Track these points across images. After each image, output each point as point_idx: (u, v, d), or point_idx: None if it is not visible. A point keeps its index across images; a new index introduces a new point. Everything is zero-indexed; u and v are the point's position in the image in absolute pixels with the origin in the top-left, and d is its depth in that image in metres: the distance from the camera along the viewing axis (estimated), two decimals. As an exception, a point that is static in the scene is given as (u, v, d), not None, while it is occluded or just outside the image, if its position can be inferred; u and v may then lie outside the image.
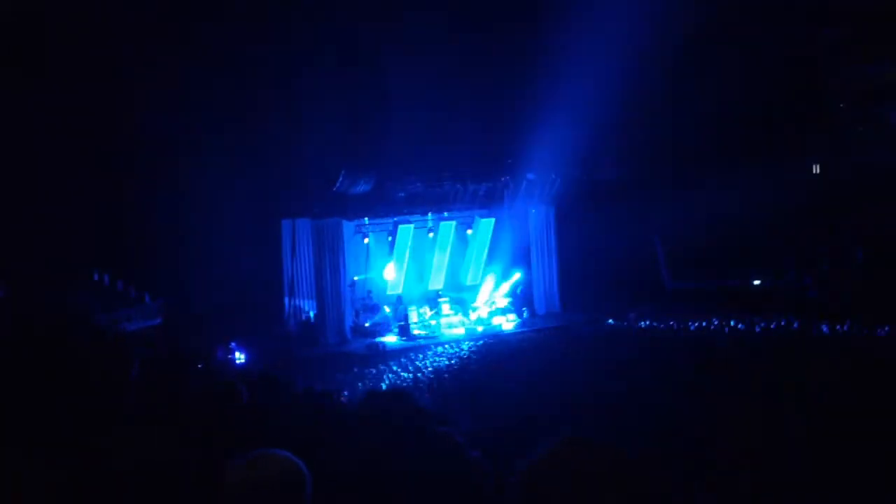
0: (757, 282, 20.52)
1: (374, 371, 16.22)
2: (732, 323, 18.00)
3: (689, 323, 18.44)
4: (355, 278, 20.41)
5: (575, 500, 1.57)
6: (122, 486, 2.13)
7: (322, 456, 2.44)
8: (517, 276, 21.73)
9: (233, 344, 16.66)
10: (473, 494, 2.32)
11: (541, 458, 1.65)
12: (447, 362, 16.93)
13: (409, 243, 20.85)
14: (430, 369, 16.22)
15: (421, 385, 14.90)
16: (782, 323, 17.40)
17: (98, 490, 2.05)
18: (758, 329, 17.49)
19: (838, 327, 16.51)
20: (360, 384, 14.93)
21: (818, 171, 20.78)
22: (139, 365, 3.29)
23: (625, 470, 1.63)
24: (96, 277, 16.69)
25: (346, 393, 12.88)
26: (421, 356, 17.58)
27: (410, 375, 15.66)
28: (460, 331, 19.99)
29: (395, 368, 16.40)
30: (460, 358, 17.23)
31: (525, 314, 21.04)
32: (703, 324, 18.30)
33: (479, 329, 20.16)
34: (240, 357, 16.58)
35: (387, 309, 20.38)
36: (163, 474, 2.40)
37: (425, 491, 2.24)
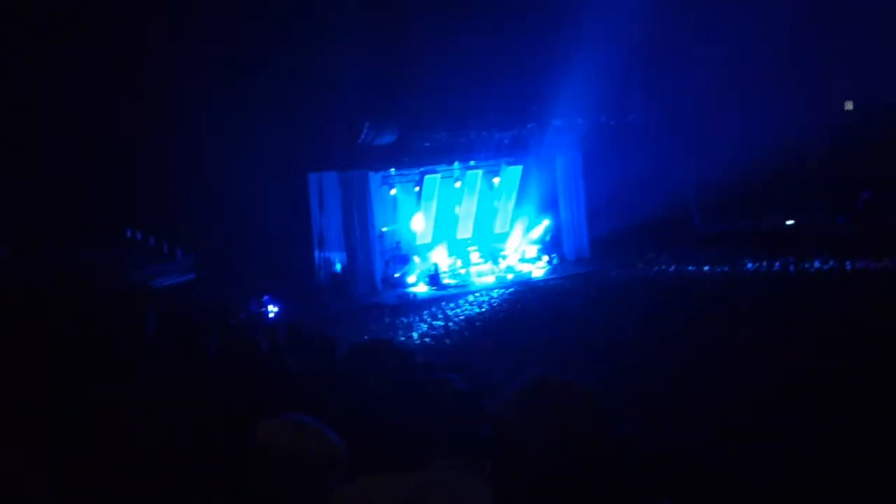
0: (790, 222, 20.27)
1: (405, 321, 16.36)
2: (765, 265, 17.84)
3: (721, 267, 18.30)
4: (384, 229, 20.47)
5: (542, 436, 1.60)
6: (133, 444, 2.15)
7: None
8: (546, 222, 21.67)
9: (265, 297, 16.84)
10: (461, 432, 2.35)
11: (510, 396, 1.68)
12: (478, 311, 17.04)
13: (436, 193, 20.82)
14: (460, 318, 16.34)
15: (452, 331, 15.05)
16: (816, 263, 17.22)
17: (109, 449, 2.09)
18: (791, 269, 17.35)
19: (873, 265, 16.32)
20: (393, 334, 15.09)
21: (851, 108, 20.31)
22: (156, 321, 3.34)
23: (592, 409, 1.65)
24: (129, 234, 16.91)
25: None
26: (452, 305, 17.70)
27: (441, 324, 15.78)
28: (490, 279, 20.06)
29: (426, 318, 16.52)
30: (491, 306, 17.32)
31: (554, 261, 21.03)
32: (736, 267, 18.13)
33: (509, 277, 20.20)
34: (273, 310, 16.78)
35: (417, 259, 20.45)
36: (180, 433, 2.39)
37: (413, 431, 2.27)
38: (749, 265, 18.07)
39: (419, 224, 20.81)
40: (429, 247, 20.95)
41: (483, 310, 17.05)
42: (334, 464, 2.25)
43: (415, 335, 15.11)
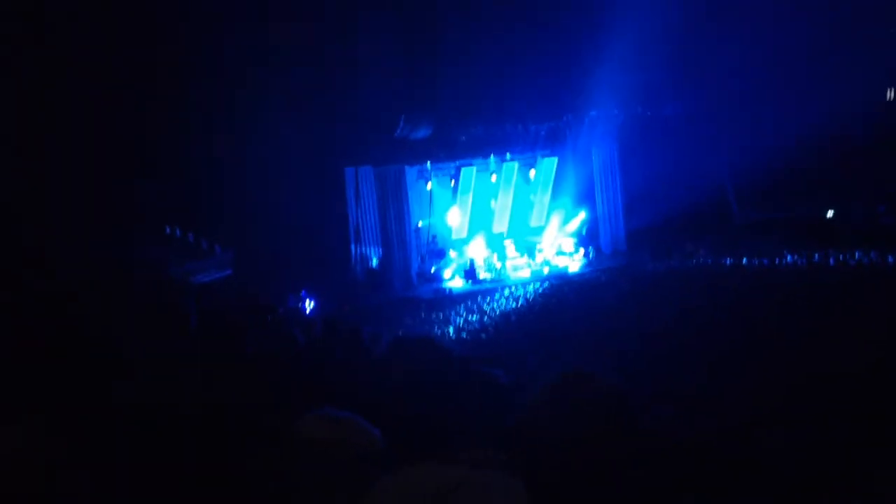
0: (830, 212, 19.97)
1: (441, 315, 16.40)
2: (804, 256, 17.65)
3: (759, 258, 18.14)
4: (419, 224, 20.51)
5: (571, 429, 1.62)
6: (175, 436, 2.21)
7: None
8: (581, 215, 21.59)
9: (303, 292, 16.99)
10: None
11: (541, 391, 1.71)
12: (513, 305, 17.03)
13: (472, 187, 20.81)
14: (496, 312, 16.36)
15: (488, 326, 15.07)
16: (856, 255, 17.00)
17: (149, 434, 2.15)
18: (831, 261, 17.15)
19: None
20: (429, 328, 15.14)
21: (892, 96, 19.91)
22: (201, 315, 3.43)
23: (618, 401, 1.67)
24: (168, 231, 17.11)
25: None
26: (488, 299, 17.71)
27: (477, 318, 15.80)
28: (526, 273, 20.03)
29: (461, 312, 16.55)
30: (527, 300, 17.31)
31: (591, 254, 20.94)
32: (776, 261, 17.95)
33: (545, 270, 20.15)
34: (310, 304, 16.93)
35: (453, 254, 20.47)
36: (221, 425, 2.44)
37: (452, 424, 2.31)
38: (788, 257, 17.88)
39: (455, 218, 20.82)
40: (464, 241, 20.96)
41: (519, 304, 17.03)
42: (372, 455, 2.28)
43: (450, 329, 15.14)
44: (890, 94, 19.95)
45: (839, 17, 18.06)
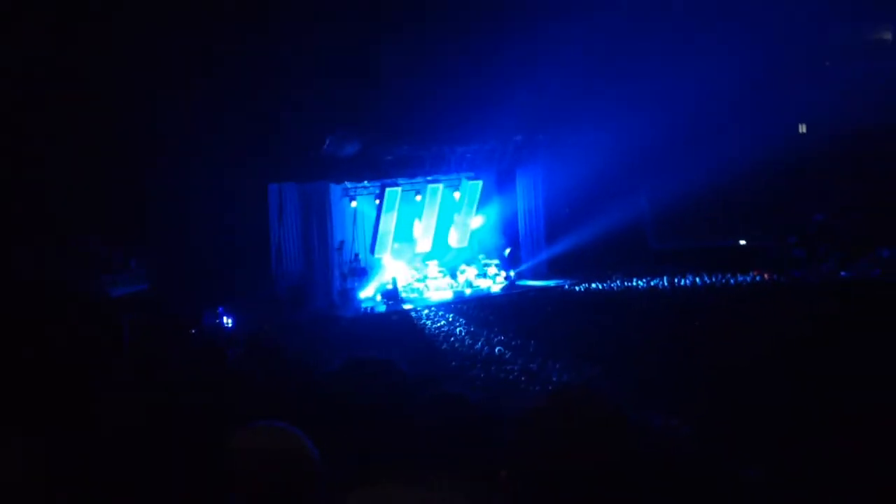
0: (742, 242, 20.73)
1: (363, 334, 16.28)
2: (711, 281, 18.46)
3: (675, 279, 18.83)
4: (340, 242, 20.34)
5: (564, 446, 1.60)
6: (114, 451, 2.12)
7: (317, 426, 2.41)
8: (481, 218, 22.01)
9: (220, 308, 16.63)
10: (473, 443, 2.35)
11: (533, 407, 1.68)
12: (435, 324, 17.04)
13: (397, 206, 20.78)
14: (418, 332, 16.35)
15: (410, 344, 15.04)
16: (757, 278, 18.09)
17: (90, 457, 2.05)
18: (733, 281, 18.10)
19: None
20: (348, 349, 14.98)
21: (804, 130, 20.75)
22: (129, 330, 3.31)
23: (612, 417, 1.66)
24: (80, 244, 16.50)
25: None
26: (409, 319, 17.69)
27: (399, 337, 15.74)
28: (448, 294, 20.07)
29: (384, 331, 16.46)
30: (447, 320, 17.33)
31: (512, 276, 21.12)
32: (688, 281, 18.71)
33: (468, 292, 20.25)
34: (227, 322, 16.58)
35: (377, 272, 20.36)
36: (158, 436, 2.36)
37: (411, 445, 2.27)
38: (698, 281, 18.70)
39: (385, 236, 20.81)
40: (387, 260, 20.93)
41: (440, 324, 17.05)
42: (312, 469, 2.23)
43: (373, 348, 14.98)
44: (802, 129, 20.78)
45: (757, 52, 18.75)
